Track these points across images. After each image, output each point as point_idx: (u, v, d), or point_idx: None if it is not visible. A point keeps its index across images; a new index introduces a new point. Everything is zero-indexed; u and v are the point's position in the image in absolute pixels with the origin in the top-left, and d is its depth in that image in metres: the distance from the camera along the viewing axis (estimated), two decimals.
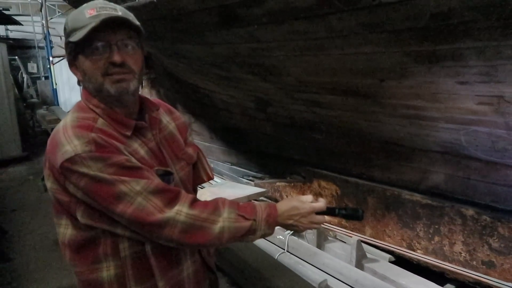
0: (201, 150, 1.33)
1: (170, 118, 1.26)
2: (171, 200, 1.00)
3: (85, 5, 1.04)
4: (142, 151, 1.08)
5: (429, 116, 2.37)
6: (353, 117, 2.95)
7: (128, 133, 1.07)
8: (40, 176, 5.91)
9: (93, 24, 0.97)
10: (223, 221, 1.02)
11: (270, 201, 4.32)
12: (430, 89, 2.11)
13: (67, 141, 0.97)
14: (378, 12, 1.64)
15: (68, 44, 1.04)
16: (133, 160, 1.01)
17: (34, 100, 10.23)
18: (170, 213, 0.98)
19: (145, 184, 0.98)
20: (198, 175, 1.30)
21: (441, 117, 2.32)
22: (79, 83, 1.12)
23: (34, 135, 8.96)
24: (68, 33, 1.03)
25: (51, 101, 9.16)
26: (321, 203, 1.14)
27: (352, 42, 2.01)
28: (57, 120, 6.36)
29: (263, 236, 1.09)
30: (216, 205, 1.05)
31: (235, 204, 1.08)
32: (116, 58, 1.02)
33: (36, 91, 10.98)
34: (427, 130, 2.55)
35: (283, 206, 1.12)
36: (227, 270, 2.69)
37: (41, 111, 7.67)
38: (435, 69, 1.91)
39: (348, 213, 1.19)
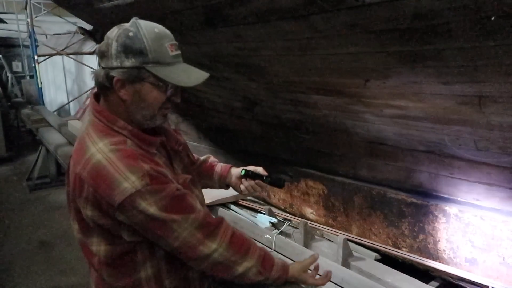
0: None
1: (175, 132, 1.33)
2: (211, 233, 1.08)
3: (159, 32, 1.05)
4: (164, 164, 1.12)
5: (413, 115, 2.41)
6: (339, 117, 2.97)
7: (155, 151, 1.12)
8: (25, 177, 5.83)
9: (199, 81, 1.08)
10: (246, 268, 1.13)
11: (260, 201, 4.34)
12: (414, 89, 2.14)
13: (122, 177, 0.98)
14: (362, 12, 1.66)
15: (140, 68, 1.02)
16: (179, 186, 1.07)
17: (19, 99, 10.04)
18: (209, 249, 1.07)
19: (192, 221, 1.05)
20: (192, 160, 1.41)
21: (425, 116, 2.35)
22: (102, 92, 1.10)
23: (18, 135, 8.82)
24: (147, 60, 1.01)
25: (36, 100, 9.00)
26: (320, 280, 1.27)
27: (336, 43, 2.03)
28: (42, 120, 6.25)
29: (272, 284, 1.21)
30: (248, 248, 1.15)
31: (261, 254, 1.18)
32: (179, 99, 1.11)
33: (21, 90, 10.78)
34: (412, 130, 2.58)
35: (294, 271, 1.23)
36: None
37: (26, 111, 7.53)
38: (418, 69, 1.93)
39: (272, 180, 1.40)
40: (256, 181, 1.42)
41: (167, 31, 1.08)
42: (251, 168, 1.43)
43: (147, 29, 1.03)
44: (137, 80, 1.03)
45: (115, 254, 1.09)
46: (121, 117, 1.08)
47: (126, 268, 1.11)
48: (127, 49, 1.01)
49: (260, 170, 1.43)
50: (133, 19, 1.07)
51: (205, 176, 1.48)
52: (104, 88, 1.08)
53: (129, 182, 0.97)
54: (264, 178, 1.41)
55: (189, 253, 1.06)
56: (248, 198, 4.12)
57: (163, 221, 1.00)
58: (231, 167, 1.48)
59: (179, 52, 1.09)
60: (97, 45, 1.11)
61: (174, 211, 1.02)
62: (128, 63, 1.01)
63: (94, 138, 1.05)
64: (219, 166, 1.50)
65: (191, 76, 1.09)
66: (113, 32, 1.04)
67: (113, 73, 1.03)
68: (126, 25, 1.05)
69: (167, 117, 1.15)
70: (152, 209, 0.98)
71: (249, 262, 1.13)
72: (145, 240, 1.08)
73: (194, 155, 1.49)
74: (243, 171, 1.42)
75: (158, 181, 1.01)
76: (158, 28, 1.06)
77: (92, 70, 1.14)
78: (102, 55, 1.04)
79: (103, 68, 1.05)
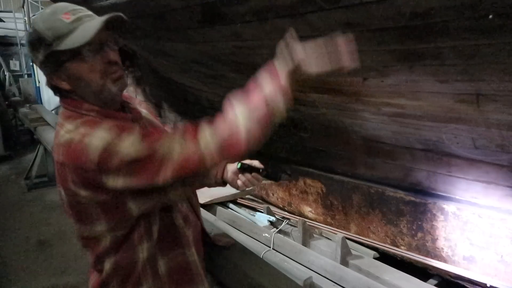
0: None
1: (140, 106, 1.30)
2: (194, 136, 1.01)
3: (50, 11, 1.02)
4: None
5: (411, 114, 2.41)
6: (338, 115, 2.97)
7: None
8: (23, 176, 5.81)
9: (96, 27, 0.98)
10: (243, 120, 1.01)
11: (258, 200, 4.34)
12: (412, 87, 2.14)
13: (90, 139, 0.95)
14: (359, 11, 1.65)
15: (52, 54, 1.00)
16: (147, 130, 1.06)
17: (17, 98, 10.00)
18: (201, 148, 0.99)
19: (172, 136, 1.01)
20: None
21: (423, 115, 2.35)
22: (58, 94, 1.09)
23: (16, 134, 8.80)
24: (50, 42, 0.99)
25: (34, 99, 8.99)
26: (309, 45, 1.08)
27: None
28: (40, 119, 6.23)
29: (285, 102, 1.06)
30: (227, 114, 1.04)
31: (241, 99, 1.05)
32: (113, 56, 1.04)
33: (19, 89, 10.76)
34: (410, 128, 2.58)
35: (282, 64, 1.09)
36: (211, 268, 2.69)
37: (24, 110, 7.52)
38: (415, 68, 1.93)
39: (269, 174, 1.39)
40: (253, 174, 1.40)
41: (62, 4, 1.05)
42: (247, 161, 1.42)
43: (39, 16, 1.04)
44: (58, 65, 1.02)
45: (117, 240, 1.09)
46: (88, 102, 1.07)
47: (125, 252, 1.11)
48: (33, 45, 1.02)
49: (256, 163, 1.42)
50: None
51: (200, 174, 1.48)
52: (56, 90, 1.09)
53: (98, 138, 0.95)
54: (261, 171, 1.39)
55: (187, 167, 0.99)
56: (247, 196, 4.12)
57: (148, 150, 0.96)
58: (226, 163, 1.47)
59: (79, 15, 1.03)
60: None
61: (153, 138, 0.99)
62: (41, 56, 1.02)
63: (63, 124, 1.05)
64: None
65: (89, 30, 1.00)
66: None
67: (44, 73, 1.04)
68: None
69: (123, 82, 1.09)
70: (132, 147, 0.95)
71: (238, 114, 1.01)
72: (141, 219, 1.07)
73: None
74: (239, 164, 1.40)
75: (127, 128, 0.99)
76: (51, 7, 1.04)
77: None
78: (34, 64, 1.10)
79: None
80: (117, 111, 1.11)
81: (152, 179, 0.97)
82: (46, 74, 1.06)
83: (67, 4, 1.04)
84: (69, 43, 0.98)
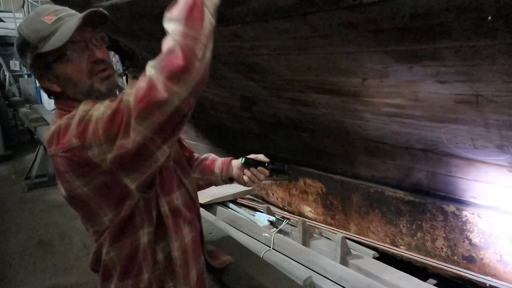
0: None
1: None
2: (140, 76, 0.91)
3: (33, 14, 1.02)
4: None
5: (411, 114, 2.41)
6: (338, 115, 2.98)
7: None
8: (23, 176, 5.82)
9: (75, 24, 0.96)
10: (170, 30, 0.88)
11: (258, 200, 4.35)
12: (411, 88, 2.15)
13: (69, 119, 0.95)
14: (359, 11, 1.66)
15: (39, 57, 1.00)
16: None
17: (17, 98, 10.02)
18: (146, 76, 0.88)
19: (130, 85, 0.93)
20: (188, 151, 1.40)
21: (423, 115, 2.36)
22: (52, 96, 1.09)
23: (16, 134, 8.81)
24: (35, 45, 0.99)
25: (34, 99, 9.01)
26: None
27: (334, 42, 2.03)
28: (40, 119, 6.25)
29: None
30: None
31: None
32: (99, 54, 1.02)
33: (19, 89, 10.76)
34: (409, 128, 2.59)
35: None
36: (211, 267, 2.69)
37: (24, 110, 7.52)
38: (415, 68, 1.94)
39: (275, 167, 1.33)
40: (259, 168, 1.35)
41: (45, 6, 1.05)
42: (252, 156, 1.38)
43: (24, 20, 1.04)
44: (47, 67, 1.02)
45: (119, 224, 1.08)
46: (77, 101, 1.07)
47: (128, 238, 1.10)
48: (20, 50, 1.02)
49: (261, 157, 1.37)
50: None
51: (207, 172, 1.46)
52: (49, 92, 1.09)
53: (76, 115, 0.95)
54: (266, 164, 1.34)
55: (143, 96, 0.86)
56: (247, 196, 4.13)
57: (115, 104, 0.91)
58: (231, 159, 1.45)
59: (61, 15, 1.02)
60: None
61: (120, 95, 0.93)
62: (29, 60, 1.02)
63: (55, 121, 1.06)
64: (220, 160, 1.48)
65: (70, 26, 0.98)
66: None
67: (35, 77, 1.05)
68: None
69: (113, 81, 1.07)
70: (102, 108, 0.92)
71: (168, 34, 0.88)
72: (144, 201, 1.07)
73: (192, 150, 1.48)
74: (244, 159, 1.37)
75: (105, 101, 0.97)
76: (34, 10, 1.04)
77: None
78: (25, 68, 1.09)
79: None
80: None
81: (126, 129, 0.89)
82: (36, 77, 1.06)
83: (49, 6, 1.04)
84: (51, 43, 0.98)
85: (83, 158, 0.94)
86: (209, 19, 0.89)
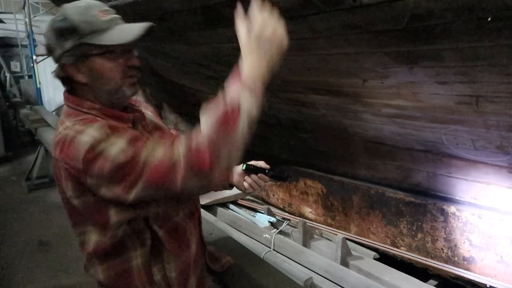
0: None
1: (145, 108, 1.29)
2: (170, 145, 0.95)
3: (86, 5, 1.04)
4: None
5: (411, 115, 2.42)
6: (338, 116, 2.98)
7: (131, 125, 1.10)
8: (24, 177, 5.82)
9: (139, 31, 1.02)
10: (206, 126, 0.91)
11: (259, 201, 4.35)
12: (411, 89, 2.15)
13: (81, 135, 0.95)
14: (359, 13, 1.66)
15: (81, 45, 1.01)
16: (138, 133, 1.04)
17: (17, 99, 10.02)
18: (174, 154, 0.92)
19: (156, 141, 0.99)
20: None
21: (423, 116, 2.36)
22: (66, 85, 1.10)
23: (17, 135, 8.81)
24: (84, 34, 1.01)
25: (34, 100, 9.00)
26: (257, 16, 0.97)
27: (334, 43, 2.03)
28: (41, 120, 6.24)
29: (255, 98, 0.94)
30: (196, 127, 0.96)
31: (206, 107, 0.97)
32: (136, 62, 1.07)
33: (19, 90, 10.77)
34: (410, 129, 2.59)
35: (244, 58, 0.97)
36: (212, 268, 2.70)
37: (24, 111, 7.51)
38: (415, 69, 1.94)
39: (275, 173, 1.33)
40: (259, 175, 1.36)
41: (95, 1, 1.07)
42: (252, 162, 1.39)
43: (72, 7, 1.04)
44: (84, 57, 1.03)
45: (105, 246, 1.08)
46: (91, 101, 1.08)
47: (118, 259, 1.10)
48: (61, 32, 1.02)
49: (261, 163, 1.38)
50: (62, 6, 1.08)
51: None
52: (65, 80, 1.09)
53: (87, 135, 0.95)
54: (267, 171, 1.35)
55: (158, 176, 0.92)
56: (247, 197, 4.13)
57: (132, 153, 0.92)
58: None
59: (113, 16, 1.05)
60: None
61: (140, 142, 0.96)
62: (68, 45, 1.02)
63: (63, 121, 1.06)
64: None
65: (131, 31, 1.03)
66: (47, 26, 1.06)
67: (63, 61, 1.04)
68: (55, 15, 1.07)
69: (136, 88, 1.11)
70: (117, 149, 0.92)
71: (202, 122, 0.93)
72: (132, 227, 1.06)
73: None
74: (244, 166, 1.37)
75: (119, 129, 0.98)
76: (84, 1, 1.06)
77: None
78: (49, 51, 1.05)
79: (56, 63, 1.06)
80: (119, 111, 1.11)
81: (129, 189, 0.93)
82: (63, 64, 1.04)
83: (98, 2, 1.07)
84: (105, 39, 1.01)
85: (80, 179, 0.98)
86: (242, 129, 0.92)
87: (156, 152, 0.93)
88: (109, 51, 1.03)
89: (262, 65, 0.95)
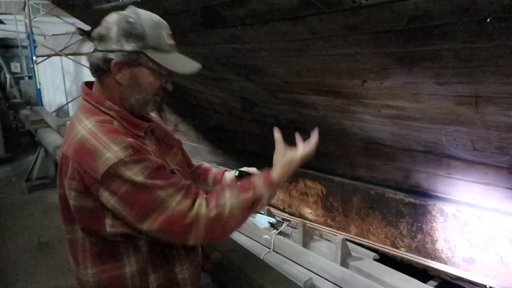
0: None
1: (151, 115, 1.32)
2: (195, 197, 1.05)
3: (157, 21, 1.09)
4: (154, 151, 1.12)
5: (411, 116, 2.42)
6: (337, 117, 2.98)
7: (142, 134, 1.12)
8: (24, 178, 5.82)
9: (194, 69, 1.13)
10: (229, 200, 1.07)
11: None
12: (411, 89, 2.15)
13: (105, 148, 0.97)
14: (359, 14, 1.67)
15: (139, 53, 1.05)
16: (161, 161, 1.06)
17: (18, 100, 10.02)
18: (193, 213, 1.02)
19: (179, 189, 1.02)
20: (187, 161, 1.43)
21: (422, 117, 2.36)
22: (97, 75, 1.11)
23: (17, 136, 8.81)
24: (147, 45, 1.05)
25: (35, 101, 9.00)
26: (301, 148, 1.31)
27: (334, 44, 2.04)
28: (41, 121, 6.24)
29: (270, 198, 1.19)
30: (218, 192, 1.10)
31: (232, 185, 1.19)
32: (171, 87, 1.14)
33: (20, 91, 10.78)
34: (409, 130, 2.59)
35: (276, 168, 1.23)
36: (211, 269, 2.69)
37: (24, 112, 7.51)
38: (415, 70, 1.94)
39: None
40: None
41: (164, 21, 1.12)
42: (245, 168, 1.42)
43: (146, 16, 1.07)
44: (135, 64, 1.06)
45: (99, 249, 1.09)
46: (112, 100, 1.09)
47: (110, 263, 1.10)
48: (128, 34, 1.04)
49: (253, 170, 1.42)
50: (132, 7, 1.09)
51: (200, 181, 1.47)
52: (101, 71, 1.09)
53: (111, 152, 0.97)
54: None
55: (175, 225, 1.00)
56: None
57: (149, 189, 0.98)
58: (225, 170, 1.49)
59: (174, 42, 1.13)
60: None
61: (160, 178, 1.00)
62: (129, 47, 1.04)
63: (81, 118, 1.06)
64: (213, 170, 1.50)
65: (186, 64, 1.12)
66: (113, 17, 1.06)
67: (112, 55, 1.04)
68: (125, 11, 1.08)
69: (157, 106, 1.18)
70: (138, 178, 0.97)
71: (226, 193, 1.09)
72: (128, 235, 1.06)
73: (189, 159, 1.49)
74: (237, 172, 1.42)
75: (141, 153, 1.01)
76: (156, 17, 1.10)
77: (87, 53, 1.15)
78: (101, 39, 1.06)
79: (100, 51, 1.06)
80: (136, 118, 1.13)
81: (140, 219, 0.99)
82: (111, 58, 1.04)
83: (166, 24, 1.12)
84: (166, 62, 1.07)
85: (91, 187, 0.99)
86: (255, 211, 1.15)
87: (175, 201, 1.00)
88: (158, 69, 1.08)
89: (284, 177, 1.23)
